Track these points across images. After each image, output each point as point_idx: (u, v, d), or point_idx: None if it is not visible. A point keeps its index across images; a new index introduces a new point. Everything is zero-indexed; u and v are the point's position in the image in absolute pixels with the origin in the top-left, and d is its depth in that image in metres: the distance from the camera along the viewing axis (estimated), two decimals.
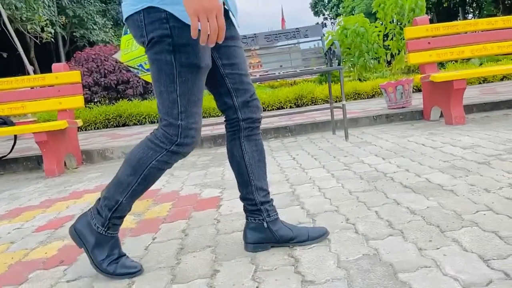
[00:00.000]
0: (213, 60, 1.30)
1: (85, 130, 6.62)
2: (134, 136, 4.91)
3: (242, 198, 1.43)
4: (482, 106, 4.31)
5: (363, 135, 3.73)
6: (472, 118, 3.94)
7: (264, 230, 1.40)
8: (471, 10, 27.19)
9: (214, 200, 2.13)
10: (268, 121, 5.02)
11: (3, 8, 10.20)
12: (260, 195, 1.40)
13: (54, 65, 4.00)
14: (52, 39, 11.92)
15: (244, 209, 1.44)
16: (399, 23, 7.84)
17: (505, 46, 3.99)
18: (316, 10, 45.22)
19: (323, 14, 44.71)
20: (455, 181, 1.94)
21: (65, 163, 3.85)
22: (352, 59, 7.69)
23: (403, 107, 4.55)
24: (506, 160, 2.22)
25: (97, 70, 7.03)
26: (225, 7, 1.29)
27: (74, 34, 16.98)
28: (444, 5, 21.25)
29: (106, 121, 6.61)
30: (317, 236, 1.41)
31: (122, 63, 3.43)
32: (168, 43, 1.14)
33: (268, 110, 6.57)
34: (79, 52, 7.56)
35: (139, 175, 1.23)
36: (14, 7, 10.44)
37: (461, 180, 1.94)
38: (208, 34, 1.05)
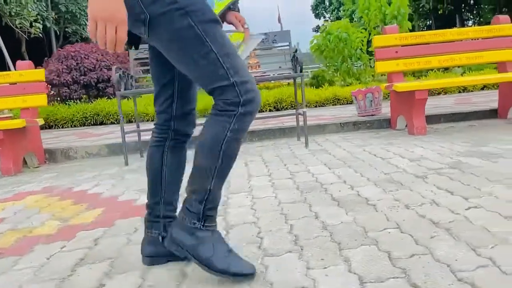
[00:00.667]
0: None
1: (62, 127, 6.59)
2: (103, 136, 4.88)
3: (147, 206, 1.39)
4: (450, 117, 4.30)
5: (325, 142, 3.71)
6: (436, 129, 3.92)
7: (160, 244, 1.37)
8: (471, 17, 27.14)
9: (140, 208, 2.10)
10: None
11: None
12: (165, 209, 1.37)
13: (19, 63, 3.97)
14: (41, 34, 11.87)
15: (144, 219, 1.40)
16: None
17: (474, 57, 3.98)
18: (317, 12, 45.45)
19: (324, 17, 44.88)
20: (382, 195, 1.92)
21: (27, 162, 3.83)
22: (335, 64, 7.68)
23: (372, 115, 4.54)
24: (444, 174, 2.20)
25: (77, 67, 7.00)
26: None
27: (66, 29, 16.92)
28: (439, 12, 21.25)
29: (84, 119, 6.58)
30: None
31: None
32: (176, 8, 1.07)
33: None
34: (60, 49, 7.54)
35: (218, 154, 1.13)
36: (2, 2, 10.39)
37: (389, 195, 1.93)
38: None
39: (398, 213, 1.67)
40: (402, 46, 4.00)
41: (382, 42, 3.97)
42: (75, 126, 6.58)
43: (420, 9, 21.50)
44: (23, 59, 15.36)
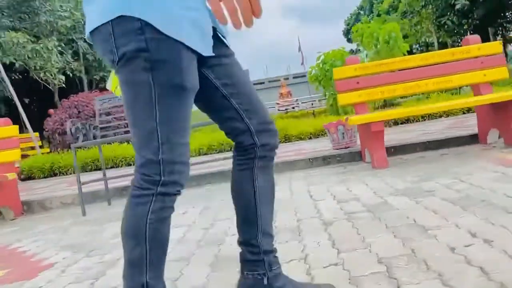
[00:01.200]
0: (210, 82, 1.13)
1: (65, 174, 6.86)
2: (90, 184, 5.00)
3: (243, 243, 1.20)
4: (426, 145, 4.06)
5: (283, 181, 3.60)
6: (405, 159, 3.71)
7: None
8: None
9: (43, 267, 2.10)
10: (198, 167, 4.88)
11: (16, 60, 10.98)
12: (265, 242, 1.18)
13: None
14: (64, 84, 12.64)
15: (241, 258, 1.21)
16: (384, 54, 7.65)
17: (442, 82, 3.79)
18: (348, 37, 45.79)
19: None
20: None
21: (3, 214, 3.99)
22: (333, 93, 7.56)
23: (346, 147, 4.38)
24: (354, 219, 2.05)
25: (79, 115, 7.37)
26: (213, 25, 1.11)
27: (94, 77, 17.94)
28: (465, 27, 20.59)
29: (85, 165, 6.82)
30: None
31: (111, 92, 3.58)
32: (144, 59, 0.95)
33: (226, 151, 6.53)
34: (66, 99, 8.00)
35: (144, 241, 0.99)
36: (27, 57, 11.21)
37: None
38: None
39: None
40: (364, 76, 3.87)
41: (341, 74, 3.87)
42: (71, 173, 6.82)
43: (446, 26, 20.93)
44: (55, 108, 16.38)
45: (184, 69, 0.99)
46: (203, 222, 2.54)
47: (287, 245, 1.82)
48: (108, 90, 3.43)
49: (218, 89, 1.13)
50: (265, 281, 1.16)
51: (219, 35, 1.15)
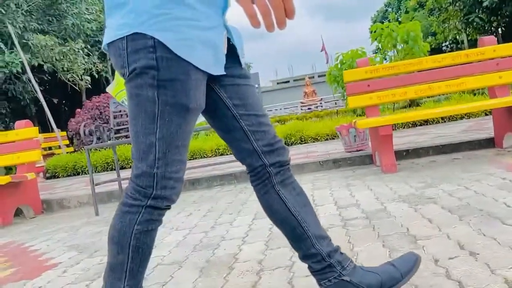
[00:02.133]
0: (222, 100, 1.15)
1: (87, 173, 7.07)
2: (108, 183, 5.15)
3: (304, 257, 1.19)
4: (440, 149, 3.97)
5: None
6: (417, 163, 3.65)
7: (348, 287, 1.15)
8: None
9: (48, 266, 2.20)
10: (212, 168, 4.94)
11: (44, 62, 11.37)
12: (324, 245, 1.17)
13: (17, 123, 4.39)
14: (90, 86, 13.01)
15: (311, 271, 1.20)
16: (404, 55, 7.50)
17: (455, 85, 3.69)
18: None
19: None
20: (256, 256, 1.83)
21: (24, 213, 4.17)
22: None
23: (359, 150, 4.33)
24: (349, 227, 2.05)
25: (100, 116, 7.58)
26: (232, 42, 1.15)
27: None
28: (494, 25, 19.87)
29: (106, 164, 7.02)
30: (409, 269, 1.20)
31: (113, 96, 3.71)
32: (152, 76, 0.98)
33: None
34: (88, 101, 8.25)
35: (127, 250, 1.04)
36: (54, 59, 11.58)
37: (262, 255, 1.83)
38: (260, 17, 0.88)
39: (243, 278, 1.59)
40: (375, 78, 3.83)
41: (352, 76, 3.84)
42: (98, 171, 7.03)
43: (474, 23, 20.27)
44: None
45: (191, 90, 1.02)
46: (204, 225, 2.59)
47: (277, 252, 1.84)
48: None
49: (229, 109, 1.15)
50: (347, 278, 1.14)
51: (237, 53, 1.16)
